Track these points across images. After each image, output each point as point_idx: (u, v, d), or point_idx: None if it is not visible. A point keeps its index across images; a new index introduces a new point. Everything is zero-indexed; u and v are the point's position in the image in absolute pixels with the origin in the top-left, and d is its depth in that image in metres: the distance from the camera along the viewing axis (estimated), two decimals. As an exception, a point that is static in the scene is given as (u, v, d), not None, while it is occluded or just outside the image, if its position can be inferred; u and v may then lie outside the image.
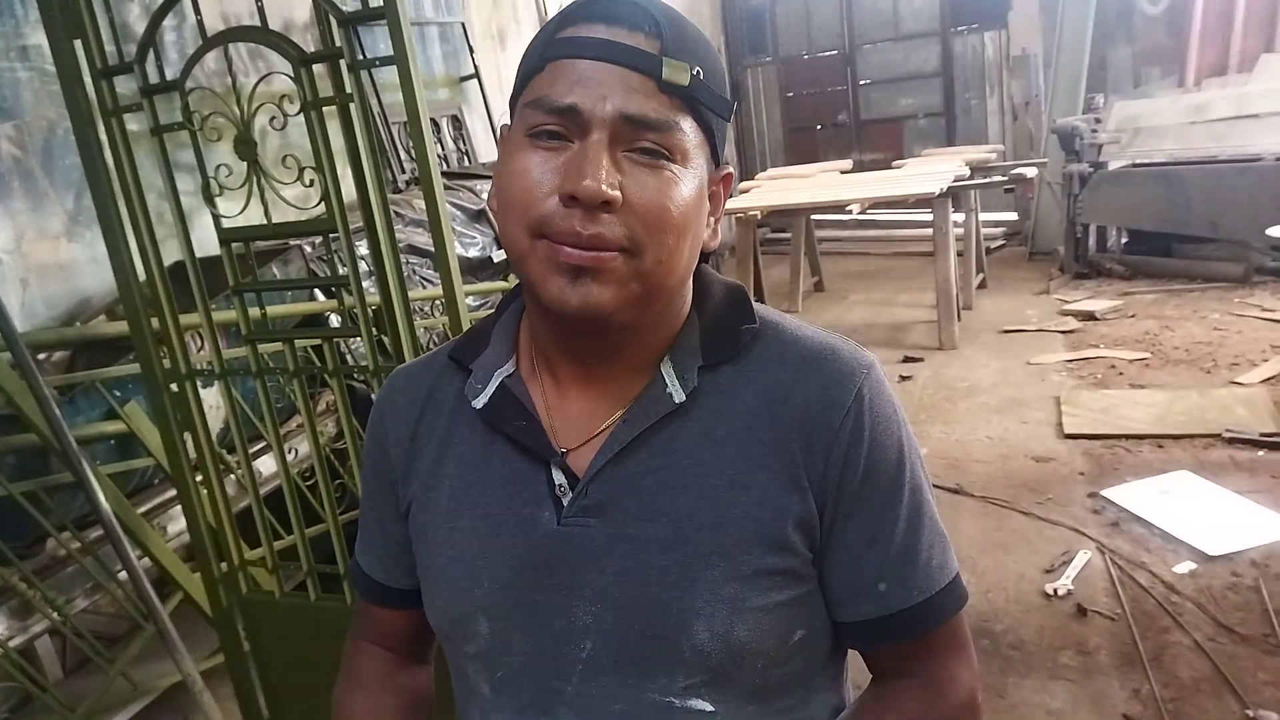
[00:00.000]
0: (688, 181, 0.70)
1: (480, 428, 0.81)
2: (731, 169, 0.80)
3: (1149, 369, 4.60)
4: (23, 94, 2.87)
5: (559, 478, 0.77)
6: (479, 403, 0.80)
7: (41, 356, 2.72)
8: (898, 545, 0.77)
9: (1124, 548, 3.00)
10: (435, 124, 5.15)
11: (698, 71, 0.69)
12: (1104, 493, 3.36)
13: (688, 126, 0.70)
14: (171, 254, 1.81)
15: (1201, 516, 3.09)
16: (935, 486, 3.51)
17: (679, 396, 0.76)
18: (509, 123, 0.75)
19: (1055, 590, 2.77)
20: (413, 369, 0.90)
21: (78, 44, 1.74)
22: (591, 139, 0.67)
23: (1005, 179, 5.90)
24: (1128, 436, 3.82)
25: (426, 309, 3.65)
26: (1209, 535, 2.96)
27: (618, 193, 0.67)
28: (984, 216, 7.11)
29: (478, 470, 0.81)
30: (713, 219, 0.78)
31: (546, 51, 0.70)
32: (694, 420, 0.76)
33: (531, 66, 0.72)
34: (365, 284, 3.21)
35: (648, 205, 0.68)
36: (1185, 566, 2.82)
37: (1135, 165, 6.25)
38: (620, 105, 0.67)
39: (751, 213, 5.64)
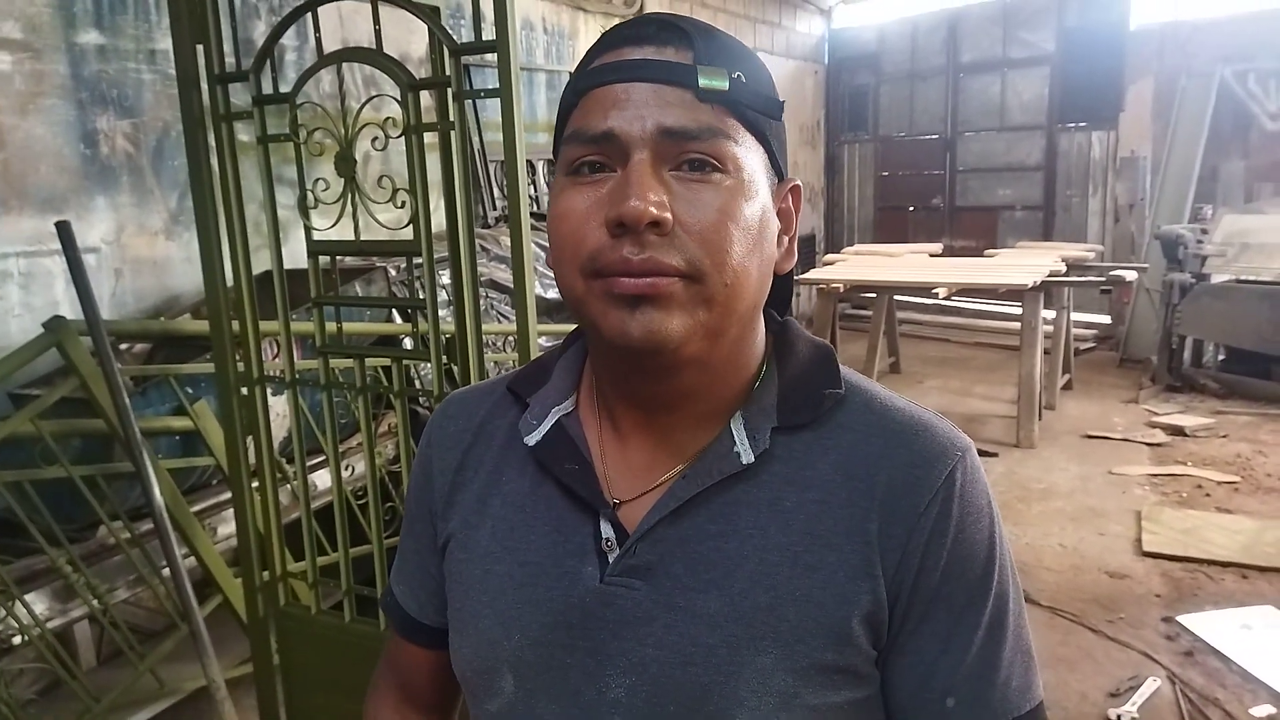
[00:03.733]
0: (745, 192, 0.64)
1: (531, 467, 0.76)
2: (798, 181, 0.73)
3: (1238, 494, 4.36)
4: (144, 95, 3.01)
5: (607, 531, 0.71)
6: (532, 440, 0.75)
7: (124, 346, 2.79)
8: (974, 656, 0.68)
9: (1197, 680, 2.80)
10: (531, 165, 5.24)
11: (738, 75, 0.64)
12: (1180, 618, 3.17)
13: (736, 134, 0.64)
14: (261, 264, 1.84)
15: (1286, 658, 2.88)
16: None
17: (747, 457, 0.68)
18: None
19: (1119, 716, 2.60)
20: (468, 395, 0.85)
21: (199, 49, 1.80)
22: (633, 162, 0.63)
23: (1102, 280, 5.73)
24: (1210, 562, 3.60)
25: (499, 344, 3.66)
26: (1294, 680, 2.74)
27: (667, 213, 0.61)
28: (1076, 316, 6.91)
29: (523, 512, 0.75)
30: (785, 237, 0.72)
31: (578, 84, 0.67)
32: (761, 486, 0.69)
33: (567, 104, 0.68)
34: (443, 312, 3.25)
35: (702, 223, 0.62)
36: (1264, 710, 2.62)
37: (1240, 280, 6.01)
38: (658, 120, 0.62)
39: (834, 285, 5.58)
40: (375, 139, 1.64)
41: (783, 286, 0.77)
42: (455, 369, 1.78)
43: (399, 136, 1.64)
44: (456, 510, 0.80)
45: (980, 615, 0.68)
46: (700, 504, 0.69)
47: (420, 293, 1.74)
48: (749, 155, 0.65)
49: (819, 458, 0.70)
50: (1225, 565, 3.57)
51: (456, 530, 0.79)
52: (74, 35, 2.89)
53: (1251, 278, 5.97)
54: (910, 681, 0.69)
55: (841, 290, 5.69)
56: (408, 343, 3.00)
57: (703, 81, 0.63)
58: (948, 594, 0.68)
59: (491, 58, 1.57)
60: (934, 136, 9.28)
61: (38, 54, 2.81)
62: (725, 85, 0.63)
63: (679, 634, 0.67)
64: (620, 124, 0.63)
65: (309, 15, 1.73)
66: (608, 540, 0.71)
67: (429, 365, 1.78)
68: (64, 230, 2.04)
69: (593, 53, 0.68)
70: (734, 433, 0.70)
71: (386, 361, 2.54)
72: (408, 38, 3.99)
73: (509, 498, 0.77)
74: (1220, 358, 6.26)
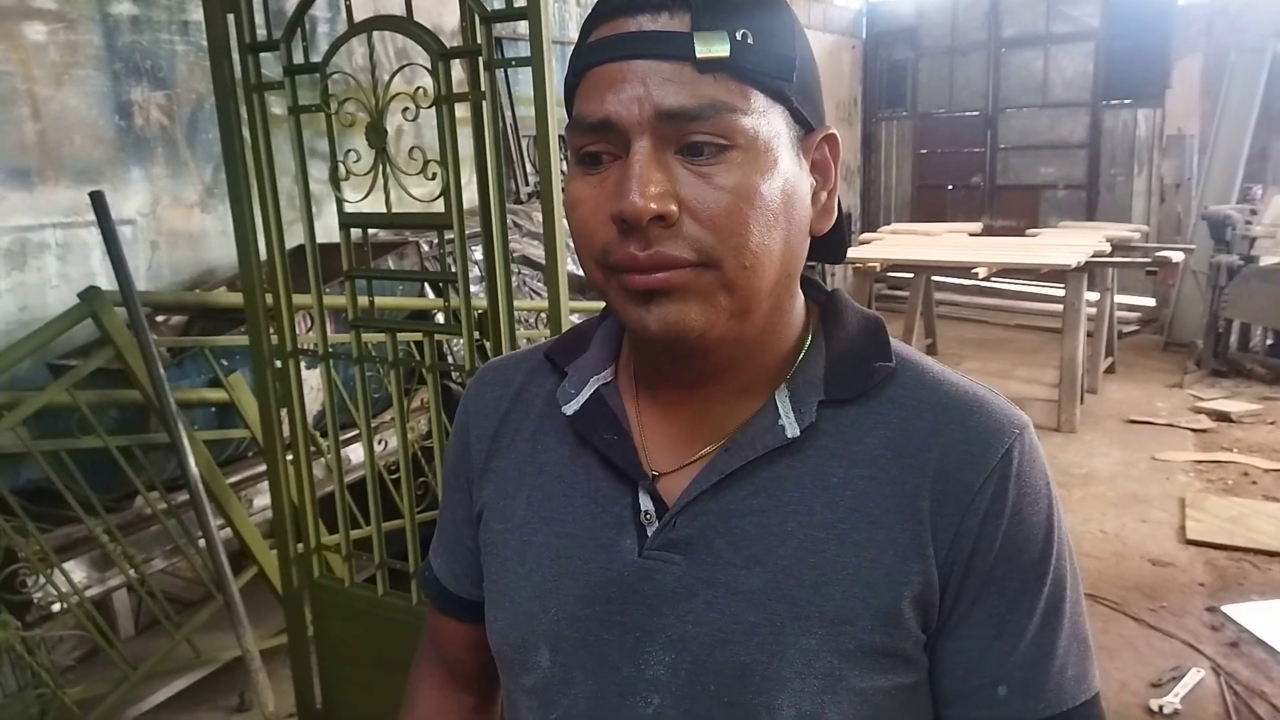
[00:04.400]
0: (760, 165, 0.59)
1: (570, 436, 0.73)
2: (833, 129, 0.67)
3: (1286, 482, 4.25)
4: (177, 66, 3.02)
5: (645, 503, 0.68)
6: (570, 409, 0.72)
7: (160, 318, 2.81)
8: (1028, 643, 0.65)
9: (1242, 671, 2.74)
10: (564, 140, 5.20)
11: (742, 35, 0.59)
12: (1225, 608, 3.10)
13: (744, 102, 0.59)
14: (295, 238, 1.83)
15: (1336, 651, 2.80)
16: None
17: (792, 431, 0.65)
18: None
19: (1161, 708, 2.55)
20: (504, 363, 0.83)
21: (230, 18, 1.79)
22: (633, 151, 0.59)
23: (1148, 261, 5.59)
24: (1257, 551, 3.52)
25: (531, 320, 3.65)
26: (1344, 674, 2.67)
27: (671, 205, 0.58)
28: (1120, 299, 6.77)
29: (560, 482, 0.73)
30: (823, 193, 0.67)
31: (577, 62, 0.63)
32: (806, 461, 0.66)
33: (570, 83, 0.64)
34: (475, 288, 3.24)
35: (713, 208, 0.58)
36: (1313, 704, 2.55)
37: (1291, 263, 5.85)
38: (656, 102, 0.58)
39: (871, 264, 5.50)
40: (406, 109, 1.62)
41: (834, 237, 0.72)
42: (488, 344, 1.76)
43: (429, 107, 1.61)
44: (492, 478, 0.78)
45: (1036, 600, 0.65)
46: (742, 478, 0.66)
47: (452, 267, 1.72)
48: (763, 121, 0.60)
49: (867, 433, 0.66)
50: (1272, 554, 3.48)
51: (492, 499, 0.77)
52: (108, 6, 2.90)
53: (1303, 260, 5.80)
54: (960, 667, 0.66)
55: (878, 270, 5.60)
56: (440, 318, 2.99)
57: (700, 50, 0.58)
58: (1002, 577, 0.64)
59: (524, 29, 1.54)
60: (974, 113, 9.09)
61: (72, 24, 2.82)
62: (725, 51, 0.58)
63: (719, 611, 0.65)
64: (616, 110, 0.59)
65: (341, -17, 1.71)
66: (646, 513, 0.68)
67: (461, 340, 1.76)
68: (98, 201, 2.04)
69: (589, 24, 0.63)
70: (778, 405, 0.67)
71: (419, 336, 2.53)
72: (439, 9, 3.96)
73: (546, 467, 0.74)
74: (1269, 342, 6.10)
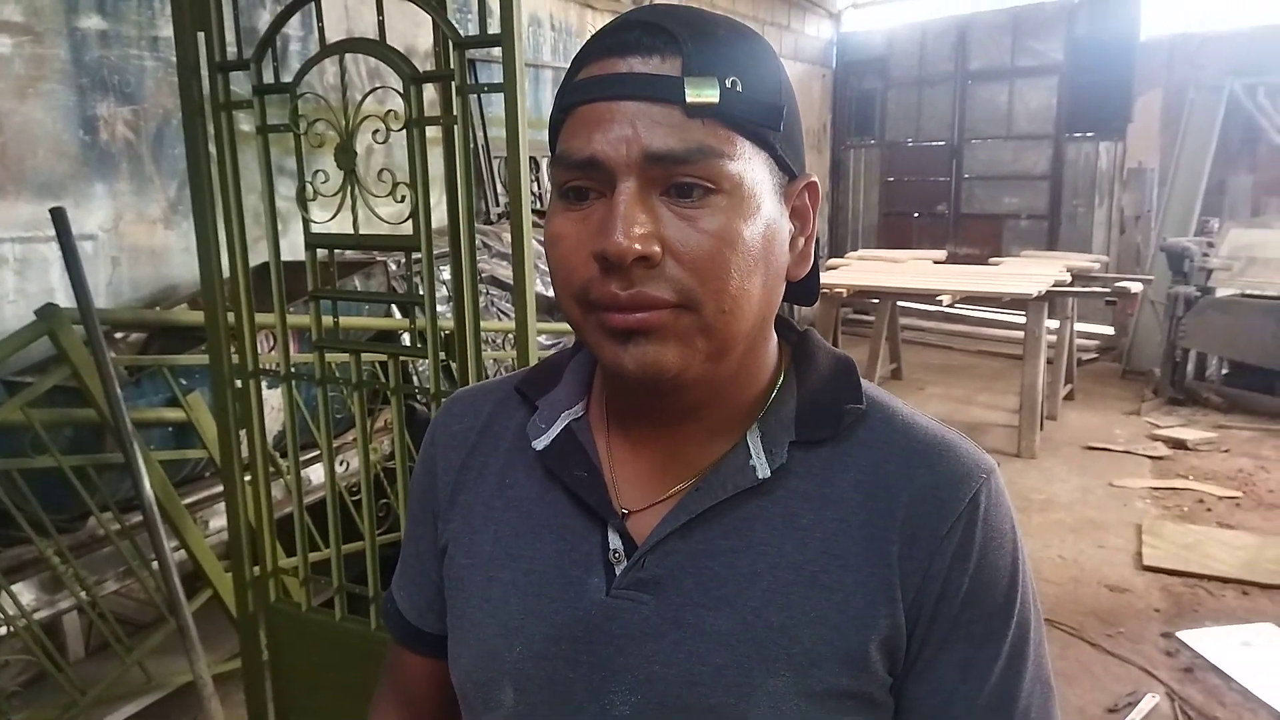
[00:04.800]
0: (744, 210, 0.60)
1: (538, 471, 0.73)
2: (815, 177, 0.68)
3: (1240, 509, 4.33)
4: (145, 82, 2.99)
5: (615, 541, 0.68)
6: (540, 444, 0.72)
7: (119, 335, 2.77)
8: (992, 687, 0.66)
9: (1196, 697, 2.77)
10: (535, 162, 5.22)
11: (732, 82, 0.59)
12: (1180, 634, 3.14)
13: (731, 148, 0.60)
14: (260, 255, 1.82)
15: (1287, 678, 2.85)
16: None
17: (763, 471, 0.66)
18: None
19: (1117, 734, 2.57)
20: (474, 394, 0.82)
21: (201, 36, 1.78)
22: (619, 191, 0.59)
23: (1107, 291, 5.70)
24: (1211, 578, 3.58)
25: (499, 341, 3.64)
26: (1294, 700, 2.72)
27: (655, 246, 0.58)
28: (1079, 327, 6.89)
29: (529, 519, 0.72)
30: (801, 239, 0.68)
31: (564, 98, 0.63)
32: (777, 502, 0.66)
33: (555, 119, 0.64)
34: (443, 308, 3.22)
35: (695, 251, 0.59)
36: (1264, 730, 2.59)
37: (1245, 295, 5.98)
38: (645, 144, 0.58)
39: (837, 290, 5.55)
40: (376, 132, 1.62)
41: (807, 280, 0.72)
42: (454, 366, 1.75)
43: (400, 130, 1.61)
44: (459, 512, 0.77)
45: (1000, 645, 0.66)
46: (713, 518, 0.66)
47: (419, 288, 1.71)
48: (748, 167, 0.61)
49: (838, 475, 0.67)
50: (1226, 581, 3.54)
51: (458, 533, 0.76)
52: (76, 20, 2.86)
53: (1257, 292, 5.94)
54: (925, 711, 0.66)
55: (844, 295, 5.66)
56: (407, 338, 2.97)
57: (690, 96, 0.58)
58: (968, 621, 0.65)
59: (498, 53, 1.55)
60: (940, 143, 9.24)
61: (39, 38, 2.78)
62: (715, 98, 0.59)
63: (687, 652, 0.65)
64: (603, 149, 0.59)
65: (313, 6, 1.70)
66: (615, 552, 0.68)
67: (427, 361, 1.75)
68: (59, 217, 2.01)
69: (578, 62, 0.64)
70: (750, 446, 0.67)
71: (384, 357, 2.51)
72: (414, 31, 3.96)
73: (514, 502, 0.74)
74: (1224, 372, 6.23)
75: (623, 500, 0.70)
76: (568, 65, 0.66)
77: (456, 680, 0.75)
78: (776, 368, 0.71)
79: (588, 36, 0.64)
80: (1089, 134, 8.37)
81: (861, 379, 0.72)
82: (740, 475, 0.66)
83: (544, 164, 5.29)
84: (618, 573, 0.67)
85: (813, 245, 0.69)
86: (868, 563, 0.64)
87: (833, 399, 0.69)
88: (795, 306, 8.67)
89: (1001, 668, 0.66)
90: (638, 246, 0.57)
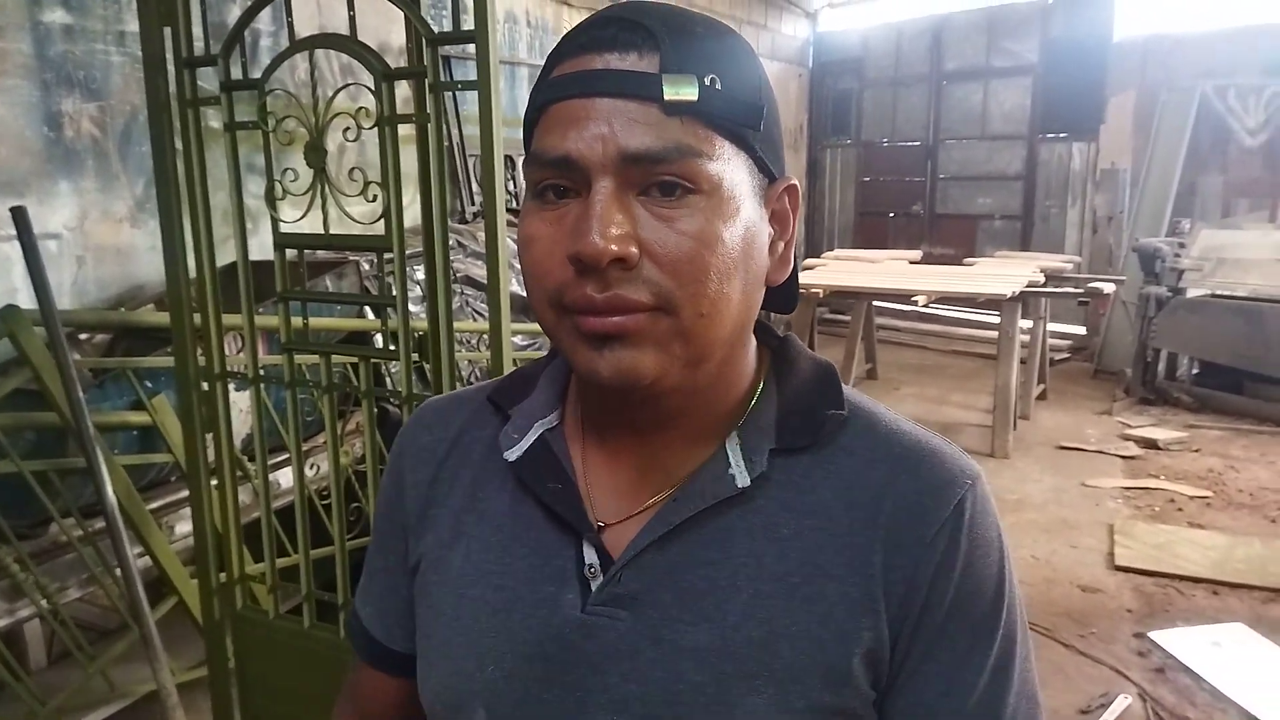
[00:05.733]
0: (723, 211, 0.58)
1: (511, 484, 0.70)
2: (795, 180, 0.66)
3: (1210, 509, 4.37)
4: (112, 77, 2.92)
5: (590, 556, 0.66)
6: (512, 454, 0.70)
7: (84, 337, 2.71)
8: (977, 701, 0.64)
9: (1168, 698, 2.79)
10: (510, 160, 5.17)
11: (711, 80, 0.58)
12: (1151, 634, 3.16)
13: (710, 148, 0.58)
14: (230, 255, 1.78)
15: (1256, 676, 2.88)
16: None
17: (742, 480, 0.64)
18: None
19: (1090, 734, 2.58)
20: (444, 404, 0.80)
21: (167, 32, 1.74)
22: (594, 191, 0.57)
23: (1080, 291, 5.75)
24: (1182, 578, 3.60)
25: (474, 341, 3.60)
26: (1262, 699, 2.74)
27: (632, 247, 0.56)
28: (1052, 327, 6.94)
29: (501, 533, 0.70)
30: (780, 243, 0.66)
31: (539, 96, 0.61)
32: (757, 512, 0.64)
33: (530, 117, 0.62)
34: (418, 308, 3.18)
35: (674, 253, 0.57)
36: (1234, 729, 2.62)
37: (1215, 295, 6.05)
38: (621, 143, 0.56)
39: (813, 290, 5.56)
40: (347, 129, 1.58)
41: (786, 287, 0.71)
42: (427, 368, 1.72)
43: (372, 128, 1.58)
44: (430, 527, 0.74)
45: (986, 656, 0.64)
46: (691, 529, 0.64)
47: (392, 289, 1.69)
48: (728, 168, 0.59)
49: (819, 482, 0.65)
50: (1197, 581, 3.57)
51: (429, 550, 0.73)
52: (39, 14, 2.80)
53: (1226, 292, 6.00)
54: None
55: (820, 295, 5.67)
56: (381, 340, 2.93)
57: (668, 93, 0.57)
58: (953, 632, 0.63)
59: (473, 49, 1.52)
60: (916, 143, 9.29)
61: (0, 32, 2.71)
62: (694, 95, 0.57)
63: (665, 670, 0.62)
64: (579, 147, 0.57)
65: (289, 1, 1.67)
66: (590, 566, 0.65)
67: (399, 364, 1.72)
68: (19, 216, 1.96)
69: (553, 59, 0.62)
70: (729, 454, 0.65)
71: (355, 359, 2.47)
72: (388, 27, 3.91)
73: (486, 516, 0.71)
74: (1194, 371, 6.30)
75: (599, 512, 0.67)
76: (542, 62, 0.64)
77: (426, 702, 0.73)
78: (756, 374, 0.69)
79: (564, 33, 0.62)
80: (1062, 135, 8.44)
81: (844, 385, 0.70)
82: (719, 484, 0.64)
83: (519, 162, 5.25)
84: (593, 588, 0.65)
85: (793, 250, 0.68)
86: (850, 573, 0.63)
87: (814, 405, 0.67)
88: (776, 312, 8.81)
89: (986, 680, 0.64)
90: (614, 248, 0.56)
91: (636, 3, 0.61)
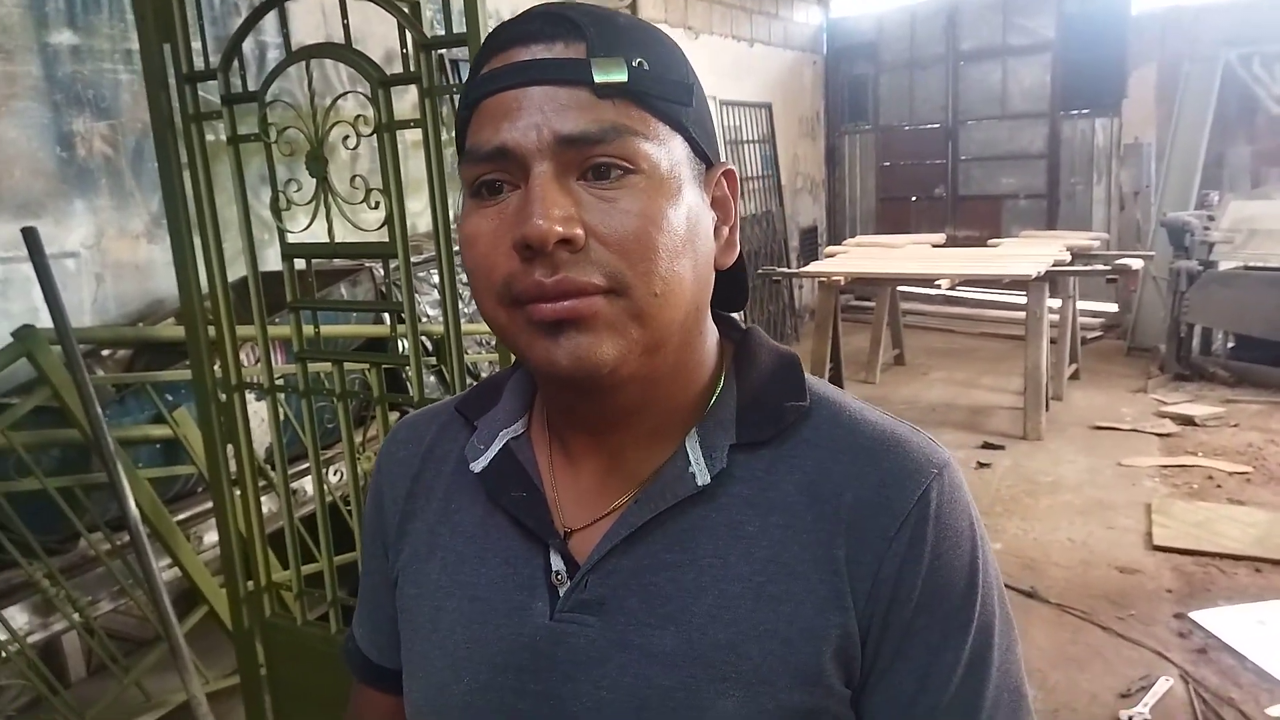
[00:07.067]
0: (664, 190, 0.58)
1: (482, 495, 0.70)
2: (731, 165, 0.66)
3: (1250, 485, 4.28)
4: (121, 95, 2.96)
5: (557, 563, 0.65)
6: (478, 465, 0.69)
7: (105, 353, 2.74)
8: (953, 696, 0.62)
9: (1211, 679, 2.74)
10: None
11: (639, 62, 0.58)
12: (1192, 614, 3.10)
13: (645, 128, 0.58)
14: (242, 268, 1.79)
15: (1302, 654, 2.81)
16: (1006, 587, 3.28)
17: (703, 478, 0.63)
18: None
19: (1131, 718, 2.54)
20: (417, 419, 0.80)
21: (166, 49, 1.75)
22: (533, 176, 0.57)
23: (1108, 269, 5.65)
24: (1223, 556, 3.53)
25: (493, 342, 3.61)
26: (1310, 677, 2.68)
27: (577, 228, 0.56)
28: (1082, 305, 6.83)
29: (473, 544, 0.70)
30: (725, 228, 0.65)
31: (470, 94, 0.61)
32: (720, 510, 0.63)
33: (463, 116, 0.62)
34: (434, 312, 3.19)
35: (620, 231, 0.56)
36: (1280, 710, 2.56)
37: (1248, 268, 5.92)
38: (555, 128, 0.56)
39: (835, 278, 5.51)
40: (346, 138, 1.59)
41: (733, 282, 0.70)
42: (445, 370, 1.72)
43: (371, 135, 1.58)
44: (408, 541, 0.74)
45: (960, 651, 0.62)
46: (655, 530, 0.63)
47: (398, 296, 1.69)
48: (664, 149, 0.59)
49: (782, 477, 0.64)
50: (1238, 559, 3.50)
51: (407, 563, 0.74)
52: (46, 36, 2.84)
53: (1260, 264, 5.88)
54: None
55: (843, 283, 5.62)
56: (404, 345, 2.94)
57: (598, 75, 0.57)
58: (923, 627, 0.62)
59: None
60: (935, 126, 9.18)
61: (9, 55, 2.75)
62: (623, 76, 0.57)
63: (634, 675, 0.61)
64: (514, 136, 0.57)
65: (285, 11, 1.68)
66: (558, 573, 0.65)
67: (420, 368, 1.72)
68: (31, 237, 1.99)
69: (480, 58, 0.61)
70: (688, 451, 0.64)
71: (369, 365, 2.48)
72: (392, 34, 3.93)
73: (459, 528, 0.71)
74: (1229, 345, 6.18)
75: (566, 518, 0.67)
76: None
77: (409, 715, 0.73)
78: (717, 368, 0.68)
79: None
80: (1084, 111, 8.29)
81: (808, 375, 0.69)
82: (679, 484, 0.63)
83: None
84: (561, 595, 0.65)
85: (737, 233, 0.67)
86: (815, 570, 0.61)
87: (774, 398, 0.66)
88: (797, 286, 8.51)
89: (962, 675, 0.62)
90: (559, 228, 0.55)
91: (559, 1, 0.61)
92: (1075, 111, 8.35)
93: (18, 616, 2.07)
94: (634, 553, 0.63)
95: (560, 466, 0.69)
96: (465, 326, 1.84)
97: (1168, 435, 5.06)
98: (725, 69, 7.35)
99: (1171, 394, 5.85)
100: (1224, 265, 6.02)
